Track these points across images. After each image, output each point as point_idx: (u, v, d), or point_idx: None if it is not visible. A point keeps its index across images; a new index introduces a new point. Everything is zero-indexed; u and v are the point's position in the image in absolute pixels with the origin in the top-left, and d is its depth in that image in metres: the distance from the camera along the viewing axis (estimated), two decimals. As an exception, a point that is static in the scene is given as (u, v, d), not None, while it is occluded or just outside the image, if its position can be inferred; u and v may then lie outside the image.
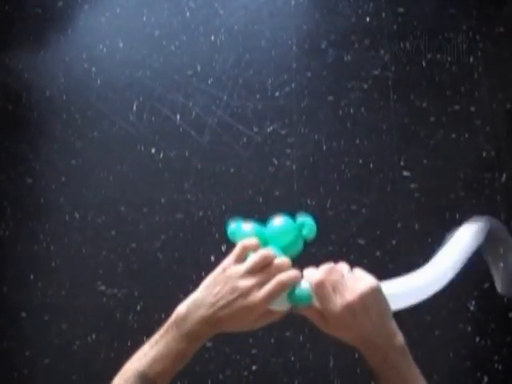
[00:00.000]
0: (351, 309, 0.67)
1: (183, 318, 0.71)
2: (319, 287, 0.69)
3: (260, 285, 0.69)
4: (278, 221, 0.75)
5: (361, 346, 0.70)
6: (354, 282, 0.70)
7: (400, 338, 0.71)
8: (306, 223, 0.74)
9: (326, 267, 0.71)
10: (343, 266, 0.73)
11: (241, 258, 0.73)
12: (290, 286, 0.69)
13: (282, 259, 0.71)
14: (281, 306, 0.71)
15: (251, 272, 0.70)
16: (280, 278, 0.69)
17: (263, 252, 0.71)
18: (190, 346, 0.70)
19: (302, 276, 0.72)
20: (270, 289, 0.68)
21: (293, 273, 0.70)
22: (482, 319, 1.65)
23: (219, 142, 1.88)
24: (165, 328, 0.72)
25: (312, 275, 0.71)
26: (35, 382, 1.68)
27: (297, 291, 0.70)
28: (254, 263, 0.70)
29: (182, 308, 0.72)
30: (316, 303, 0.70)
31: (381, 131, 1.86)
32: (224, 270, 0.73)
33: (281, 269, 0.70)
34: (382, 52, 1.95)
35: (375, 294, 0.69)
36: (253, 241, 0.73)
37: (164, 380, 0.69)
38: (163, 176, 1.86)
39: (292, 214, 0.76)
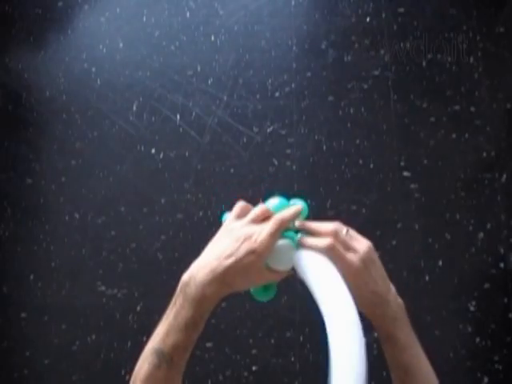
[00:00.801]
0: (363, 260, 0.69)
1: (187, 284, 0.69)
2: (330, 250, 0.70)
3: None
4: (273, 201, 0.75)
5: (375, 306, 0.70)
6: (354, 241, 0.72)
7: (400, 299, 0.73)
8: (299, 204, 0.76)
9: (331, 230, 0.72)
10: (342, 227, 0.74)
11: (241, 216, 0.73)
12: (291, 222, 0.70)
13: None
14: (284, 265, 0.71)
15: (253, 222, 0.71)
16: (279, 215, 0.69)
17: (263, 206, 0.72)
18: (198, 312, 0.68)
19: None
20: (271, 226, 0.68)
21: (292, 209, 0.71)
22: (481, 319, 1.65)
23: (219, 142, 1.88)
24: (173, 301, 0.70)
25: (319, 242, 0.71)
26: (35, 382, 1.69)
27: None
28: (255, 214, 0.71)
29: (185, 275, 0.71)
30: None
31: (381, 131, 1.86)
32: (226, 226, 0.73)
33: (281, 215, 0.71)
34: (382, 52, 1.95)
35: (374, 252, 0.72)
36: (248, 205, 0.74)
37: (181, 353, 0.67)
38: (163, 176, 1.86)
39: (285, 196, 0.78)
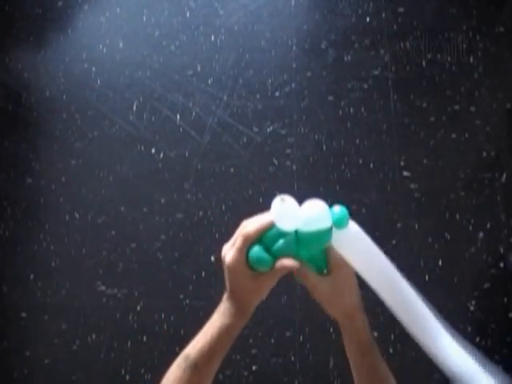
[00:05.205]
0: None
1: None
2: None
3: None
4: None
5: (355, 310, 0.73)
6: None
7: None
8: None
9: None
10: None
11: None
12: (255, 236, 0.69)
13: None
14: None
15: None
16: (241, 231, 0.70)
17: (240, 231, 0.73)
18: (219, 323, 0.72)
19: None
20: (236, 243, 0.70)
21: (254, 224, 0.70)
22: (482, 319, 1.65)
23: (219, 142, 1.88)
24: None
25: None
26: (35, 382, 1.69)
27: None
28: (233, 239, 0.73)
29: None
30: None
31: (381, 131, 1.86)
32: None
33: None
34: (382, 52, 1.95)
35: None
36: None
37: (205, 360, 0.71)
38: (163, 176, 1.86)
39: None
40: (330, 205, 0.71)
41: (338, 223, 0.69)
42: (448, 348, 0.70)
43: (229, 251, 0.70)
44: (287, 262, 0.68)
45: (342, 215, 0.69)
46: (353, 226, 0.71)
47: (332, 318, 0.74)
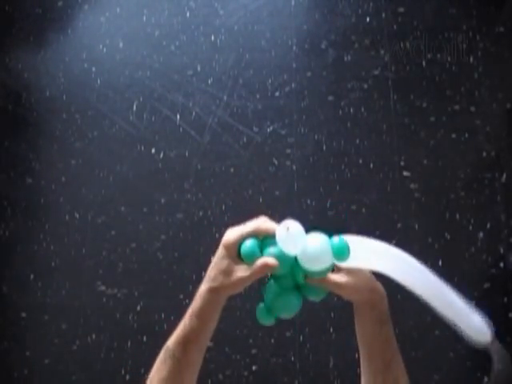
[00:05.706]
0: None
1: None
2: None
3: None
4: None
5: (374, 281, 0.73)
6: None
7: None
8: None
9: None
10: None
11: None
12: (265, 232, 0.71)
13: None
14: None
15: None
16: (255, 222, 0.72)
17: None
18: (191, 309, 0.72)
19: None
20: (244, 227, 0.71)
21: (270, 224, 0.72)
22: (481, 319, 1.65)
23: (219, 142, 1.88)
24: None
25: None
26: (35, 382, 1.69)
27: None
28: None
29: None
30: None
31: (381, 131, 1.86)
32: None
33: None
34: (382, 52, 1.95)
35: None
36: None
37: (181, 349, 0.71)
38: (163, 176, 1.86)
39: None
40: (330, 234, 0.72)
41: (339, 257, 0.70)
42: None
43: (233, 230, 0.71)
44: (268, 259, 0.69)
45: (341, 246, 0.70)
46: (352, 244, 0.71)
47: (350, 300, 0.74)
